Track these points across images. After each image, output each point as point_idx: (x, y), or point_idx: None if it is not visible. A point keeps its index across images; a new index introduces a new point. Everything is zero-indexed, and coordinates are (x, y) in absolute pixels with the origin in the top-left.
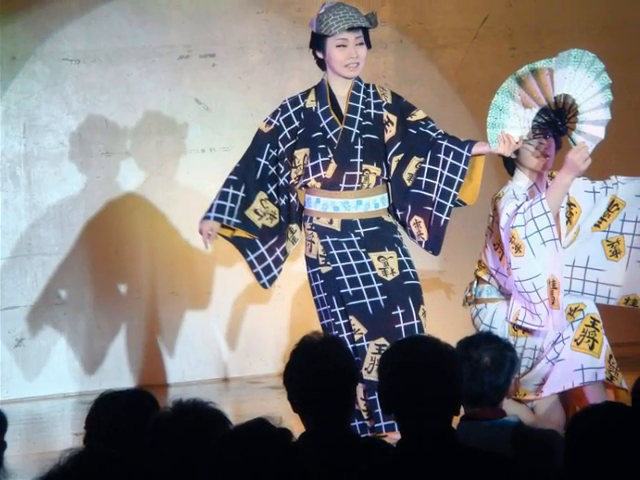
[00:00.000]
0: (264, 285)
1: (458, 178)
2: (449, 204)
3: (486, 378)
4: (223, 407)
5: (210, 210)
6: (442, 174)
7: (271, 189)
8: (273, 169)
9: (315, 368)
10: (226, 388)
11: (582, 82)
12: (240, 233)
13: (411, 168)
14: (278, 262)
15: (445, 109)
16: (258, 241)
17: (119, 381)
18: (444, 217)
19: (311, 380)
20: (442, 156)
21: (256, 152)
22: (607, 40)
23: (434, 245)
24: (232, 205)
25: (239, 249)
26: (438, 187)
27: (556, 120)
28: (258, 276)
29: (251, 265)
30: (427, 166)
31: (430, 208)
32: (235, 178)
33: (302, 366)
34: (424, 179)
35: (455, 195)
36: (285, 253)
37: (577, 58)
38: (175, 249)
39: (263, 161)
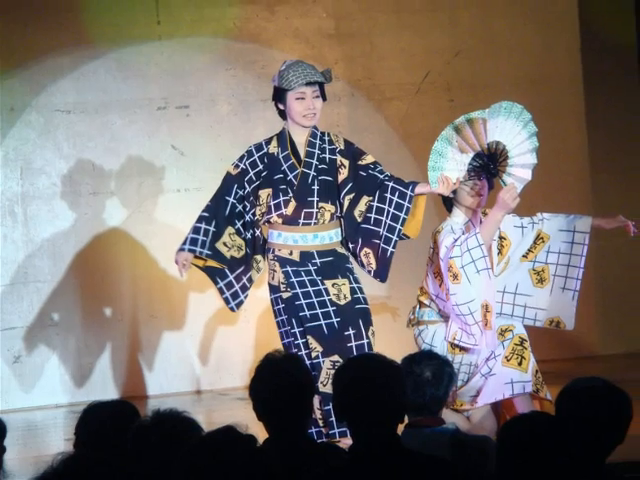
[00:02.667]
0: (232, 309)
1: (403, 215)
2: (395, 238)
3: (427, 390)
4: (196, 416)
5: (185, 243)
6: (389, 211)
7: (238, 224)
8: (240, 207)
9: (277, 382)
10: (199, 399)
11: (512, 130)
12: (211, 263)
13: (361, 206)
14: (244, 288)
15: (391, 154)
16: (227, 270)
17: (104, 393)
18: (390, 249)
19: (273, 392)
20: (389, 195)
21: (225, 192)
22: (533, 93)
23: (382, 273)
24: (204, 238)
25: (210, 277)
26: (385, 223)
27: (489, 164)
28: (227, 301)
29: (221, 291)
30: (375, 204)
31: (378, 241)
32: (207, 214)
33: (265, 380)
34: (373, 215)
35: (400, 230)
36: (251, 280)
37: (507, 109)
38: (154, 277)
39: (231, 200)
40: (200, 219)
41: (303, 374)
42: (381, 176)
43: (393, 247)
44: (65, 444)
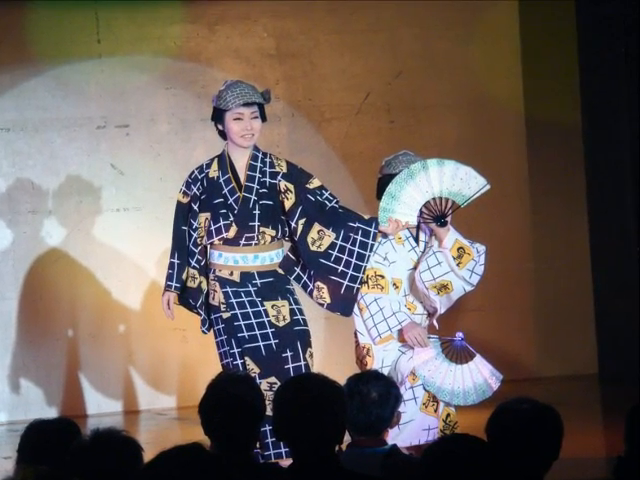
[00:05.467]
0: (204, 332)
1: (368, 252)
2: (361, 275)
3: (373, 410)
4: (134, 435)
5: (165, 281)
6: (352, 251)
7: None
8: (195, 234)
9: (226, 403)
10: (137, 419)
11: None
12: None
13: (313, 233)
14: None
15: (331, 175)
16: (190, 300)
17: (42, 412)
18: (357, 286)
19: (222, 412)
20: (353, 235)
21: (181, 222)
22: (474, 114)
23: (345, 308)
24: (170, 271)
25: (186, 306)
26: (348, 261)
27: (439, 216)
28: (203, 322)
29: (198, 313)
30: (340, 243)
31: (336, 278)
32: (172, 247)
33: (215, 399)
34: (335, 253)
35: (366, 267)
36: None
37: (439, 163)
38: (93, 296)
39: (187, 229)
40: (171, 253)
41: (253, 397)
42: (329, 204)
43: (359, 284)
44: (2, 462)
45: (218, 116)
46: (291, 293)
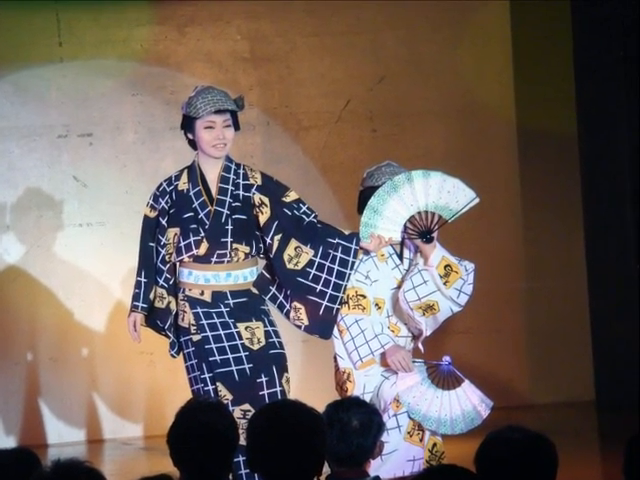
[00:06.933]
0: (173, 355)
1: (348, 271)
2: (341, 295)
3: (354, 440)
4: (98, 465)
5: (131, 301)
6: (332, 269)
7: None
8: (163, 251)
9: (197, 432)
10: (101, 448)
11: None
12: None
13: (290, 250)
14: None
15: (309, 187)
16: (158, 321)
17: (0, 441)
18: (336, 306)
19: (192, 442)
20: (332, 252)
21: (148, 237)
22: (459, 121)
23: (324, 330)
24: (137, 291)
25: (154, 328)
26: (328, 280)
27: (424, 232)
28: (171, 345)
29: (166, 336)
30: (318, 260)
31: (314, 298)
32: (138, 264)
33: (185, 428)
34: (313, 271)
35: (346, 286)
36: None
37: (425, 175)
38: (54, 317)
39: (155, 245)
40: (137, 271)
41: (225, 426)
42: (307, 218)
43: (339, 304)
44: None
45: (188, 124)
46: (266, 314)
